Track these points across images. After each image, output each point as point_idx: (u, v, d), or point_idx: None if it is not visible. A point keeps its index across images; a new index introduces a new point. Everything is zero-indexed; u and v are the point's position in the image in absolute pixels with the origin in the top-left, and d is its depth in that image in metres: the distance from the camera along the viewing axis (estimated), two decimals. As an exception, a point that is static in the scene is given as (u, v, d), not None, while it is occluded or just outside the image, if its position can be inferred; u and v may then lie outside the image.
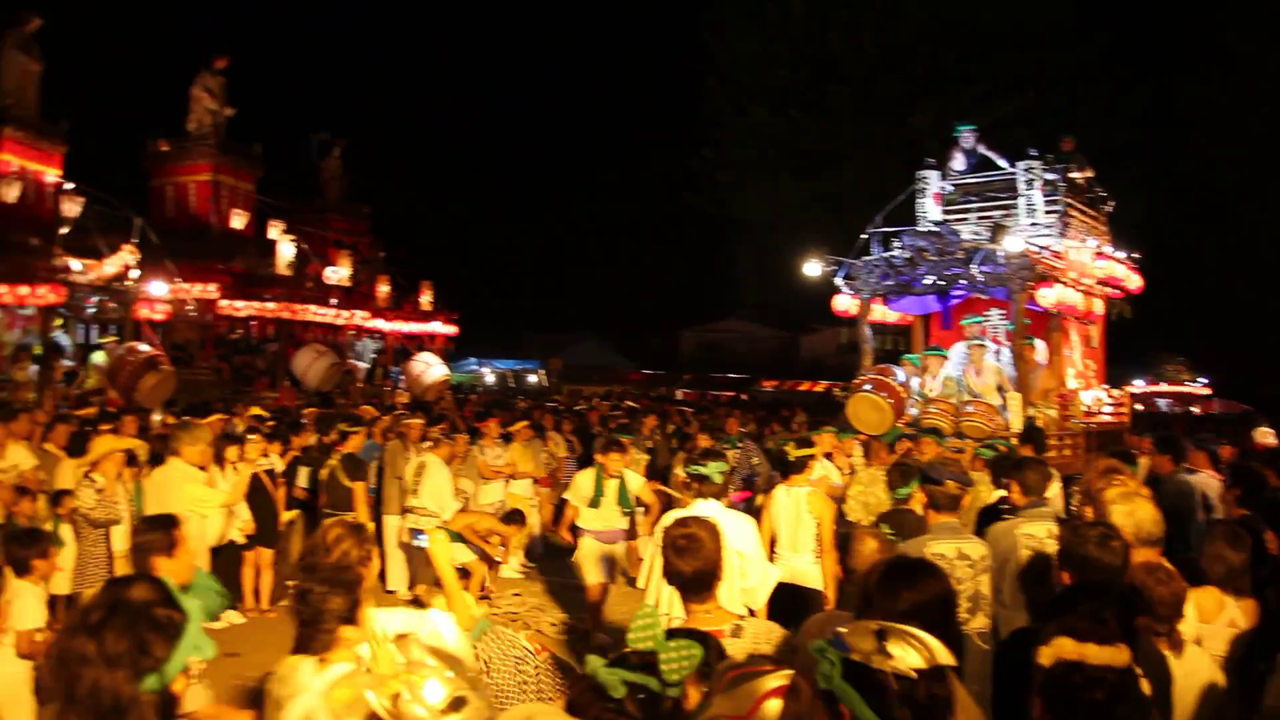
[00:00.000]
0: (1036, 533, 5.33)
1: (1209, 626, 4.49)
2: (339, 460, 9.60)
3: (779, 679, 2.02)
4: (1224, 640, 4.42)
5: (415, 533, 9.34)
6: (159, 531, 4.22)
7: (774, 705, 1.99)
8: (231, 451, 9.18)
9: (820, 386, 31.64)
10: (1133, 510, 4.39)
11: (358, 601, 3.46)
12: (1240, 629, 4.42)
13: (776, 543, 7.01)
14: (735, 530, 5.42)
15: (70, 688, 1.95)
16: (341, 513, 8.81)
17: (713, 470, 5.87)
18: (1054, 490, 6.53)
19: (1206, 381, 37.99)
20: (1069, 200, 12.85)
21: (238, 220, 24.90)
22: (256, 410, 13.20)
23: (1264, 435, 13.29)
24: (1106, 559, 3.73)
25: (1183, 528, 6.78)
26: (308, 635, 3.34)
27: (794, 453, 7.16)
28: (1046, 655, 2.44)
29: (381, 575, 9.93)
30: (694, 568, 3.64)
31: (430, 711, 2.03)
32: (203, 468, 8.48)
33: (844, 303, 12.66)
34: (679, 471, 11.21)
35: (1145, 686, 2.49)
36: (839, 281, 12.49)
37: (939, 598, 2.86)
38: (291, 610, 3.52)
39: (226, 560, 9.05)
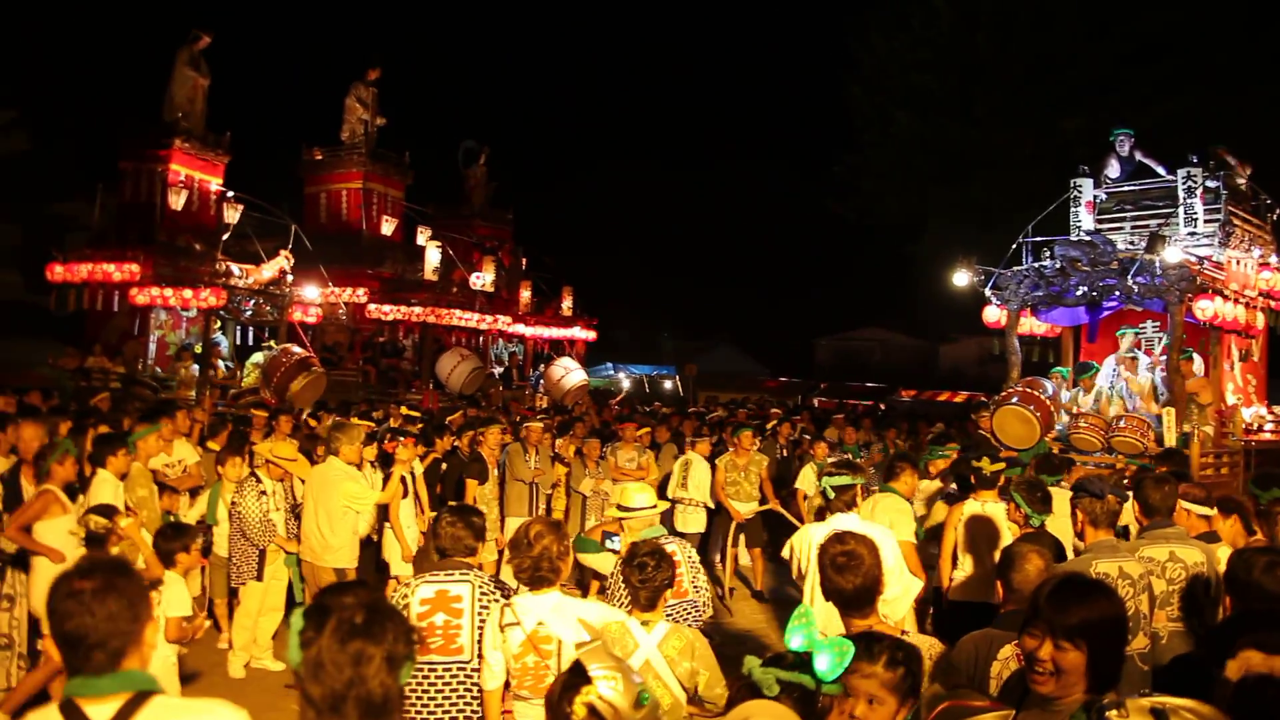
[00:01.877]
0: (1157, 556, 5.12)
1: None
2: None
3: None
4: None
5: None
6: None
7: None
8: (369, 451, 9.48)
9: (959, 397, 30.91)
10: None
11: (675, 573, 4.12)
12: None
13: (960, 556, 6.88)
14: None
15: (342, 690, 2.01)
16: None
17: (827, 485, 5.79)
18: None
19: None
20: (1232, 208, 12.30)
21: (387, 226, 25.62)
22: (406, 411, 13.57)
23: None
24: (1272, 587, 3.58)
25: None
26: (636, 596, 4.03)
27: (989, 468, 7.01)
28: (1234, 669, 2.36)
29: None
30: (854, 585, 3.65)
31: (630, 710, 2.12)
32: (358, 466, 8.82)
33: (992, 313, 12.37)
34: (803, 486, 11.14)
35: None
36: (987, 292, 12.22)
37: (1111, 619, 2.75)
38: (626, 579, 4.09)
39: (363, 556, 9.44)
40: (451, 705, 4.25)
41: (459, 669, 4.26)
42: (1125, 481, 7.56)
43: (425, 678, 4.23)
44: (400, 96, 36.31)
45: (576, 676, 2.28)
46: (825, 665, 2.37)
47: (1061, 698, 2.68)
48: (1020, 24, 31.25)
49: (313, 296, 20.36)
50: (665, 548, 4.87)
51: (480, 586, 4.39)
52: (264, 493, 8.07)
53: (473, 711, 4.24)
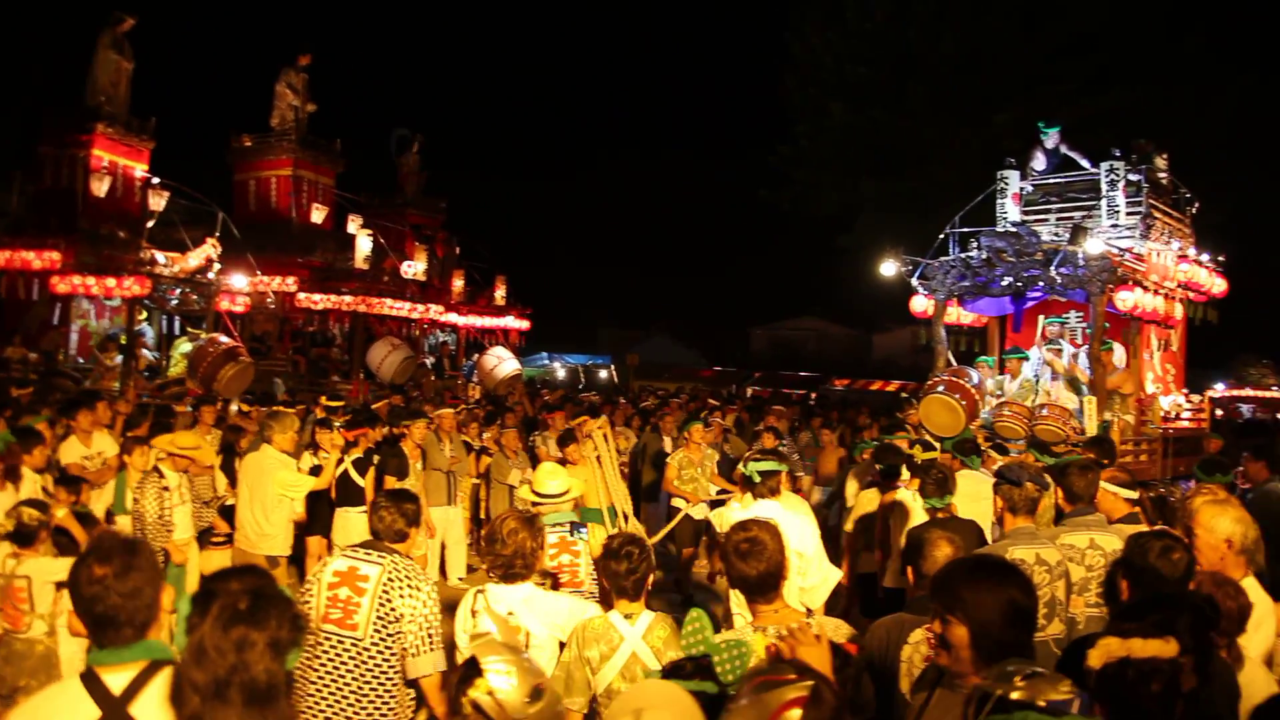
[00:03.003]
0: (1078, 543, 5.20)
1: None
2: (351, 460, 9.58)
3: (799, 690, 2.01)
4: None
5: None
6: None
7: (793, 716, 1.98)
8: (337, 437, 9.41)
9: (892, 386, 31.34)
10: (1240, 518, 4.29)
11: (652, 565, 4.10)
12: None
13: (893, 544, 6.93)
14: (795, 530, 5.40)
15: (225, 676, 2.02)
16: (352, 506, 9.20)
17: (752, 470, 5.81)
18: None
19: (1294, 385, 36.45)
20: (1152, 202, 12.56)
21: (317, 215, 25.29)
22: (327, 401, 13.39)
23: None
24: (1166, 570, 3.67)
25: (1274, 538, 6.58)
26: (618, 585, 4.00)
27: (920, 456, 7.04)
28: (1095, 658, 2.42)
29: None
30: (758, 571, 3.62)
31: (521, 704, 2.09)
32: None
33: (919, 303, 12.52)
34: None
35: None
36: (915, 282, 12.35)
37: (998, 599, 2.76)
38: (612, 573, 4.04)
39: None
40: (339, 675, 4.34)
41: (353, 644, 4.34)
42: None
43: (319, 644, 4.32)
44: (332, 83, 35.92)
45: (470, 670, 2.26)
46: (729, 666, 2.36)
47: (964, 674, 2.74)
48: (952, 18, 31.64)
49: (241, 285, 20.04)
50: (566, 535, 5.12)
51: (391, 572, 4.40)
52: (166, 488, 7.67)
53: (355, 687, 4.31)
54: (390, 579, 4.37)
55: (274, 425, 8.23)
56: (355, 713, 4.29)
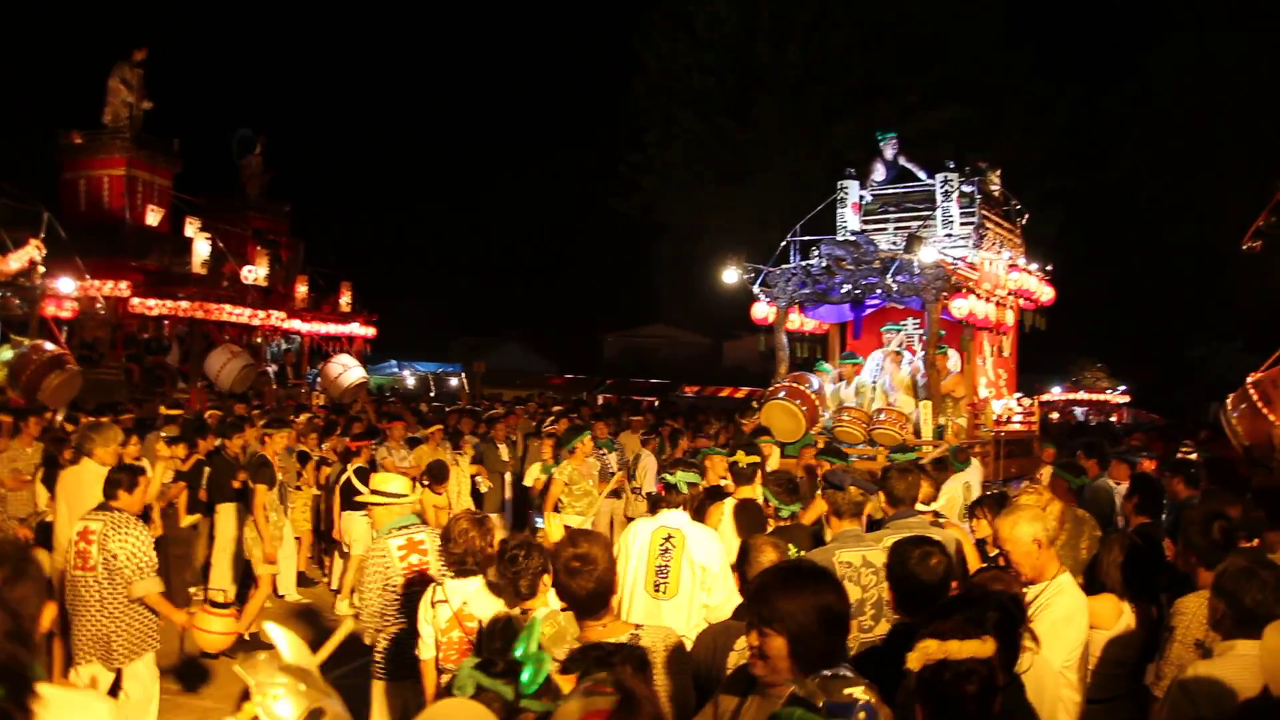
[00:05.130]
0: None
1: (1105, 632, 4.56)
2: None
3: (604, 701, 2.00)
4: (1119, 645, 4.53)
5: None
6: None
7: None
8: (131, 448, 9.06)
9: (741, 392, 31.78)
10: (1034, 517, 4.43)
11: (547, 561, 4.11)
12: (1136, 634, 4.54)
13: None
14: (700, 544, 5.26)
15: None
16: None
17: (680, 480, 5.61)
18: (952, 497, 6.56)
19: (1125, 389, 38.10)
20: (984, 213, 13.01)
21: (153, 216, 24.36)
22: (166, 411, 12.93)
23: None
24: (925, 575, 3.79)
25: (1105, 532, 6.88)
26: (514, 587, 4.14)
27: (744, 460, 6.90)
28: (914, 660, 2.47)
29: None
30: (587, 590, 3.57)
31: None
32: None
33: (761, 310, 12.69)
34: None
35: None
36: (756, 289, 12.52)
37: (813, 607, 2.75)
38: (501, 574, 4.23)
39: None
40: (90, 601, 5.88)
41: (93, 580, 5.88)
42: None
43: (75, 584, 5.91)
44: (170, 80, 34.64)
45: (245, 693, 2.13)
46: (527, 678, 2.29)
47: (777, 684, 2.74)
48: (796, 31, 32.36)
49: (68, 289, 19.08)
50: (414, 536, 5.35)
51: (108, 524, 5.83)
52: None
53: (98, 607, 5.87)
54: (108, 530, 5.82)
55: (95, 438, 7.81)
56: (104, 622, 5.86)
